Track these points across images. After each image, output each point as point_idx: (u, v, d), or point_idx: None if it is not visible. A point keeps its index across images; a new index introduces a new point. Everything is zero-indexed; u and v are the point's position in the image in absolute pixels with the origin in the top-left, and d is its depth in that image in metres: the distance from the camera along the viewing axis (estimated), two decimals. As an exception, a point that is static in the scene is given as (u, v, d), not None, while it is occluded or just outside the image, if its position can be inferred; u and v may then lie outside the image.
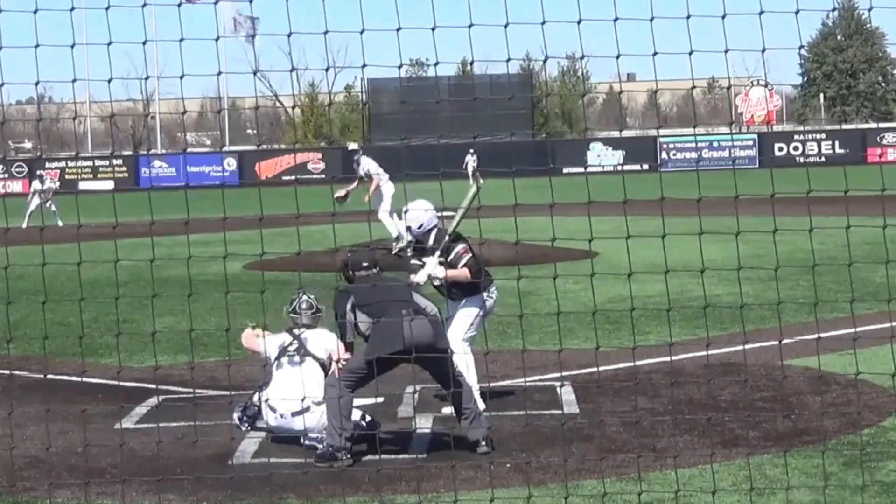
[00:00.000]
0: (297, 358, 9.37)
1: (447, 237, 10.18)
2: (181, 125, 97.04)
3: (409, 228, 10.44)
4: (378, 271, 9.24)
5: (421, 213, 10.29)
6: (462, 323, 10.10)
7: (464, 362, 9.92)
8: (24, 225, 37.21)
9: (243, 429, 9.46)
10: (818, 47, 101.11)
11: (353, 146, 26.08)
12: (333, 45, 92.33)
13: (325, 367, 9.33)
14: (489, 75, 75.40)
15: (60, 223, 37.37)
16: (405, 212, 10.45)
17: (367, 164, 24.27)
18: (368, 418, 9.07)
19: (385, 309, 8.73)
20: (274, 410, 9.17)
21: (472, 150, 60.84)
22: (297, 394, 8.88)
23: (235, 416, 9.54)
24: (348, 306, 8.85)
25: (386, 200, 23.97)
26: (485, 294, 10.20)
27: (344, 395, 8.60)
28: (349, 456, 8.54)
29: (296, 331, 9.56)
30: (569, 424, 9.25)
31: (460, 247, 10.10)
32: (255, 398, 9.49)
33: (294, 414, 9.07)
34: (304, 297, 9.68)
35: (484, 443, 8.68)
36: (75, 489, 7.99)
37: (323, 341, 9.41)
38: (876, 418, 9.32)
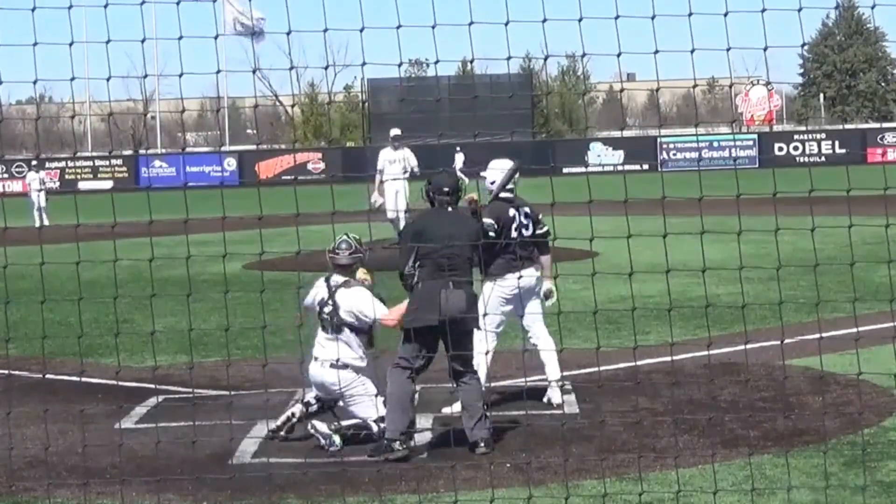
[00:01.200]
0: (331, 326, 9.24)
1: (487, 202, 10.23)
2: (181, 125, 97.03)
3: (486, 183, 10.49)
4: (456, 201, 9.09)
5: (496, 171, 10.40)
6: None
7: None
8: (38, 224, 37.27)
9: (331, 448, 9.02)
10: (818, 47, 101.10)
11: (396, 131, 25.56)
12: (333, 44, 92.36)
13: (356, 329, 9.24)
14: (489, 75, 75.34)
15: (47, 221, 37.40)
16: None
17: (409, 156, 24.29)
18: (383, 425, 9.01)
19: (442, 240, 8.69)
20: (316, 359, 9.17)
21: (458, 148, 60.87)
22: (336, 352, 9.01)
23: (320, 431, 9.10)
24: (411, 259, 8.79)
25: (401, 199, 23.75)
26: (493, 282, 10.07)
27: (405, 386, 8.65)
28: (405, 446, 8.53)
29: (332, 280, 9.36)
30: (569, 424, 9.24)
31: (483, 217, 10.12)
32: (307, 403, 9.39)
33: (332, 365, 9.05)
34: (345, 238, 9.47)
35: (483, 444, 8.67)
36: (75, 489, 7.98)
37: (354, 303, 9.25)
38: (876, 418, 9.32)
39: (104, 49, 7.25)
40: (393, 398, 8.68)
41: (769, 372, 11.23)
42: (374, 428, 8.92)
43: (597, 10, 7.40)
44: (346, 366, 9.10)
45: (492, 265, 9.96)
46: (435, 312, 8.56)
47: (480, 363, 9.87)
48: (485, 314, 9.73)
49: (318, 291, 9.43)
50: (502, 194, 10.29)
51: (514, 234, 10.15)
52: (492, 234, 9.92)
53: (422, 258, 8.77)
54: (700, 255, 7.67)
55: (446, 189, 9.05)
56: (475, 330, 8.99)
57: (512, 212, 10.21)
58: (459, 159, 59.73)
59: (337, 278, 9.36)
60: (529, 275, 10.13)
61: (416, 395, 9.06)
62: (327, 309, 9.28)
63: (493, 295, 10.06)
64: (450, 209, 9.05)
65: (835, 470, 7.89)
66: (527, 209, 10.32)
